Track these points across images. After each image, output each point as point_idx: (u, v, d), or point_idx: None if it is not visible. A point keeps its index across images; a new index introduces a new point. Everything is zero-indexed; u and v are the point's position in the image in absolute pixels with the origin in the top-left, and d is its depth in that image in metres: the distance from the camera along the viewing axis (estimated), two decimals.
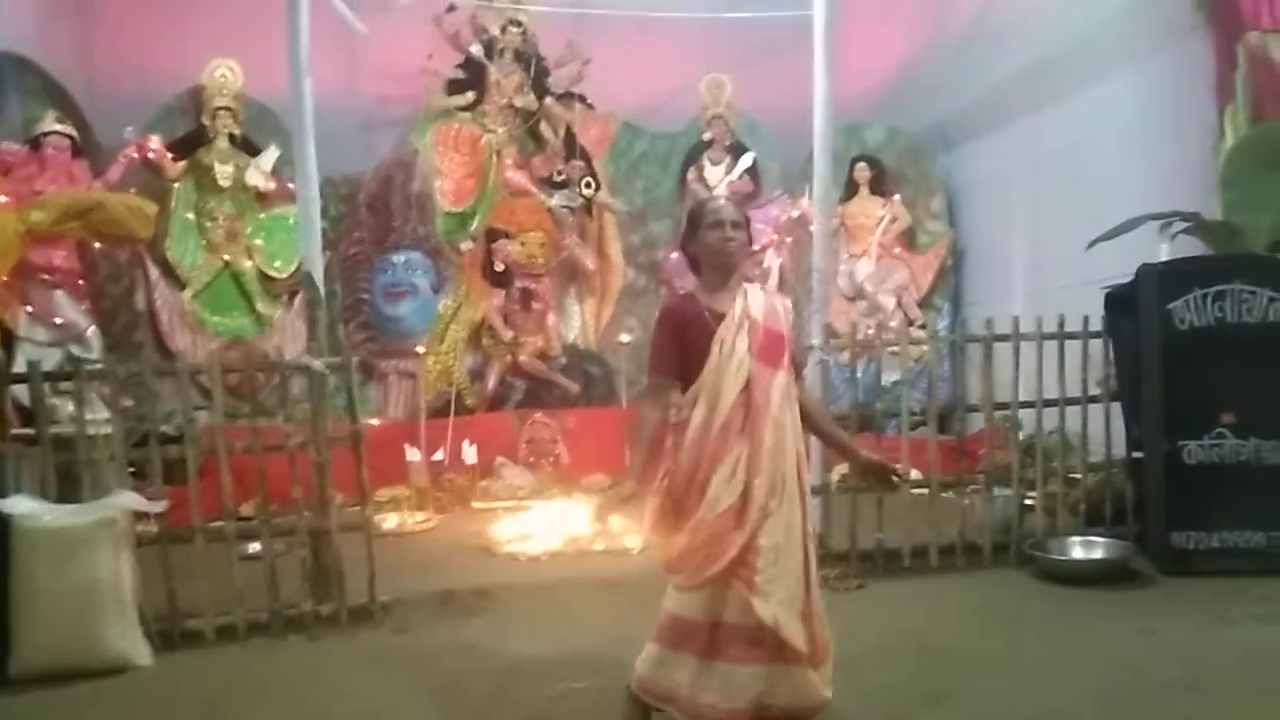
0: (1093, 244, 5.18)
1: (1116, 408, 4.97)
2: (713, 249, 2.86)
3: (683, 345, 2.82)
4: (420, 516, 6.24)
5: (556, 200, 8.04)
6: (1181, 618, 3.95)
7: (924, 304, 8.25)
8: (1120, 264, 4.97)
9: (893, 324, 7.76)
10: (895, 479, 3.12)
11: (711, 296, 2.87)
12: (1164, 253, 5.09)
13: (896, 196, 8.27)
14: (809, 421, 3.00)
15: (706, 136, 8.45)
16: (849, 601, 4.34)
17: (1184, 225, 5.12)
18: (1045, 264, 6.98)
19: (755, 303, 2.84)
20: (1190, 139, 5.52)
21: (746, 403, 2.73)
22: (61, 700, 3.45)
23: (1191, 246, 5.22)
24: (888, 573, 4.71)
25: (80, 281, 6.73)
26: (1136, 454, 4.87)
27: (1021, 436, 5.19)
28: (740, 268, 2.92)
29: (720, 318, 2.80)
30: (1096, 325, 4.99)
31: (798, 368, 2.98)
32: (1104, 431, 4.98)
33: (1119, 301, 4.92)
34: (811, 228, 5.53)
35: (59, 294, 6.52)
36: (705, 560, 2.68)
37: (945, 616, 4.11)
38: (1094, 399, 5.01)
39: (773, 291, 3.05)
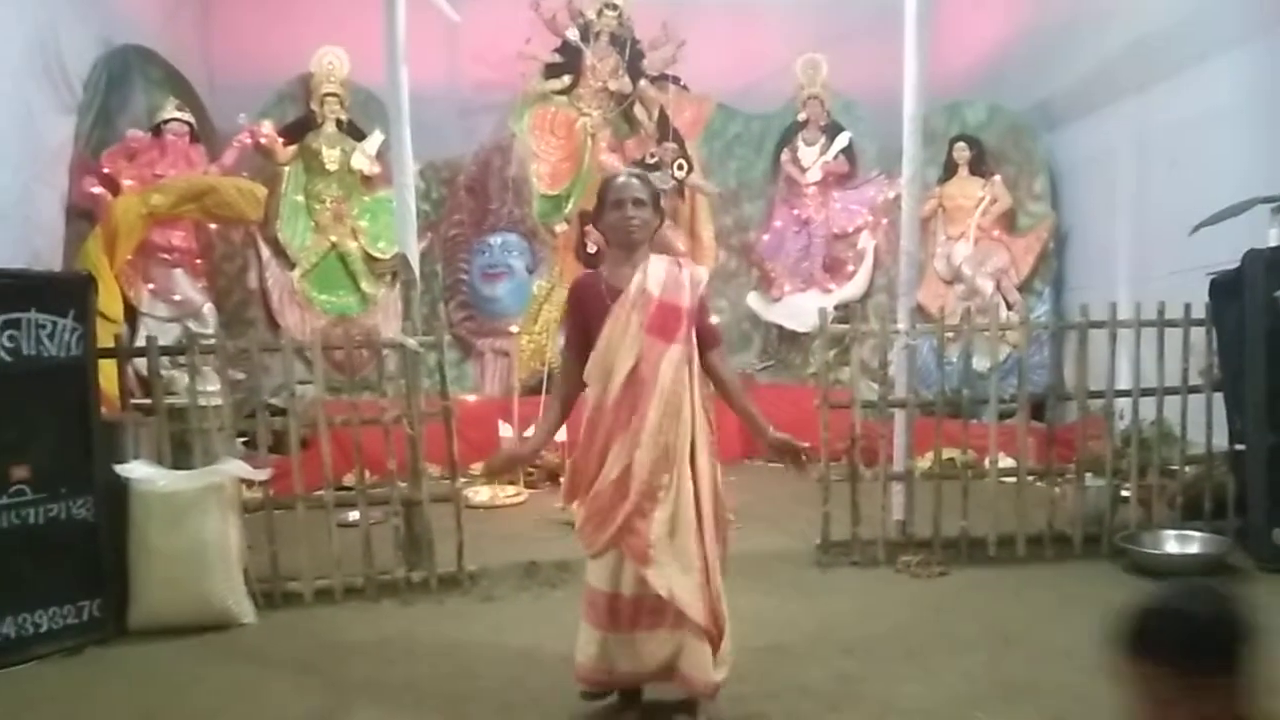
0: (1197, 228, 4.98)
1: (1219, 399, 4.78)
2: (613, 227, 2.88)
3: (584, 322, 2.88)
4: (511, 491, 6.41)
5: None
6: (1274, 616, 3.79)
7: (1024, 288, 7.98)
8: (1231, 249, 4.74)
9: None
10: (805, 459, 2.95)
11: (614, 273, 2.89)
12: (1274, 237, 4.85)
13: (997, 177, 8.03)
14: (722, 395, 3.02)
15: (801, 117, 8.39)
16: (929, 588, 4.34)
17: None
18: (1152, 248, 6.71)
19: (654, 277, 2.84)
20: None
21: (636, 377, 2.76)
22: (173, 650, 3.72)
23: None
24: (972, 561, 4.65)
25: (198, 261, 7.08)
26: (1238, 447, 4.68)
27: (1122, 427, 5.04)
28: (642, 245, 2.90)
29: (618, 294, 2.83)
30: (1200, 312, 4.81)
31: (707, 340, 2.94)
32: (1205, 423, 4.80)
33: (1224, 288, 4.73)
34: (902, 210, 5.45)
35: (178, 273, 6.85)
36: (595, 529, 2.78)
37: (1028, 606, 4.05)
38: (1195, 389, 4.83)
39: (682, 264, 2.96)
